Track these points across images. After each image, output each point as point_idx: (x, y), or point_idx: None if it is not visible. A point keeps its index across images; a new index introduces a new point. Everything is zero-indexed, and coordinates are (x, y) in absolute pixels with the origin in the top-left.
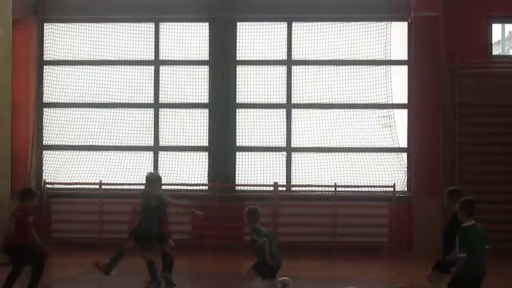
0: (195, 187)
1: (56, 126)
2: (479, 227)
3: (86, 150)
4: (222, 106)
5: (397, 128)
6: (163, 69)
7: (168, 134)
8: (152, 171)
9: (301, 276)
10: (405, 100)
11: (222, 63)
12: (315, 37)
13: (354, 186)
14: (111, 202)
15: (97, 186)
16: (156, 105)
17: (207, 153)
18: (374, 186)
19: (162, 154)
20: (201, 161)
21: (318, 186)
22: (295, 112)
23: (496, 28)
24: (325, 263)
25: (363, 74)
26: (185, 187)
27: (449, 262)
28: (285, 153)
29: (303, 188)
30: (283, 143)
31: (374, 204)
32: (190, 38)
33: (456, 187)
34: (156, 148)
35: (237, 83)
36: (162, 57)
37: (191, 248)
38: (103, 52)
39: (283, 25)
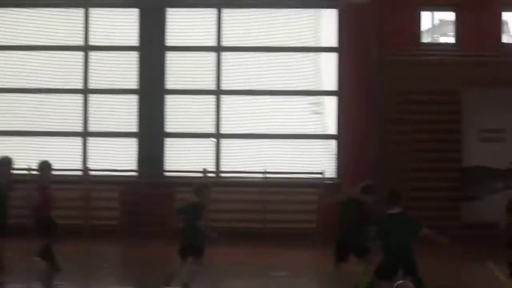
0: (124, 173)
1: None
2: (405, 215)
3: (15, 136)
4: (152, 92)
5: (327, 115)
6: (92, 54)
7: (97, 120)
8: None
9: (227, 261)
10: (334, 87)
11: (152, 49)
12: (245, 23)
13: (284, 173)
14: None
15: (26, 172)
16: (85, 91)
17: (136, 139)
18: (303, 173)
19: (91, 140)
20: (130, 147)
21: (248, 172)
22: (224, 98)
23: (426, 16)
24: (254, 249)
25: (293, 61)
26: (114, 173)
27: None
28: (214, 139)
29: (233, 175)
30: (212, 130)
31: (303, 191)
32: (120, 24)
33: (368, 181)
34: (85, 134)
35: (167, 69)
36: (91, 42)
37: (120, 234)
38: (32, 38)
39: (213, 12)
